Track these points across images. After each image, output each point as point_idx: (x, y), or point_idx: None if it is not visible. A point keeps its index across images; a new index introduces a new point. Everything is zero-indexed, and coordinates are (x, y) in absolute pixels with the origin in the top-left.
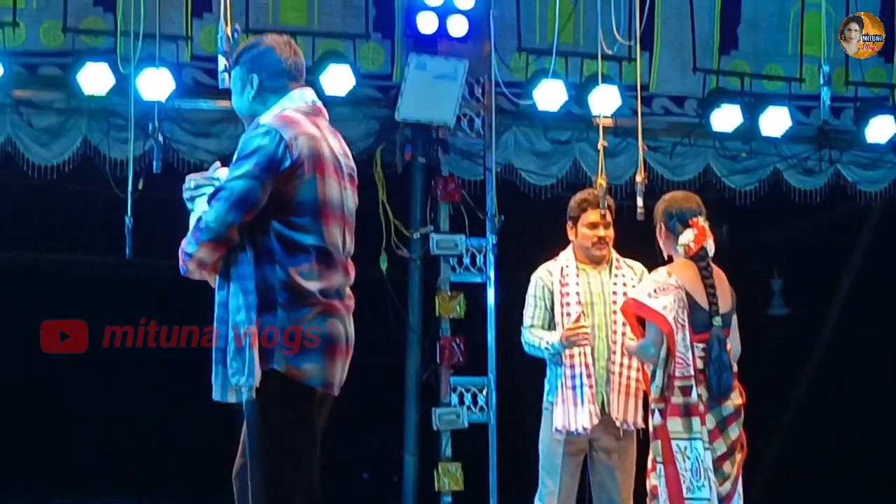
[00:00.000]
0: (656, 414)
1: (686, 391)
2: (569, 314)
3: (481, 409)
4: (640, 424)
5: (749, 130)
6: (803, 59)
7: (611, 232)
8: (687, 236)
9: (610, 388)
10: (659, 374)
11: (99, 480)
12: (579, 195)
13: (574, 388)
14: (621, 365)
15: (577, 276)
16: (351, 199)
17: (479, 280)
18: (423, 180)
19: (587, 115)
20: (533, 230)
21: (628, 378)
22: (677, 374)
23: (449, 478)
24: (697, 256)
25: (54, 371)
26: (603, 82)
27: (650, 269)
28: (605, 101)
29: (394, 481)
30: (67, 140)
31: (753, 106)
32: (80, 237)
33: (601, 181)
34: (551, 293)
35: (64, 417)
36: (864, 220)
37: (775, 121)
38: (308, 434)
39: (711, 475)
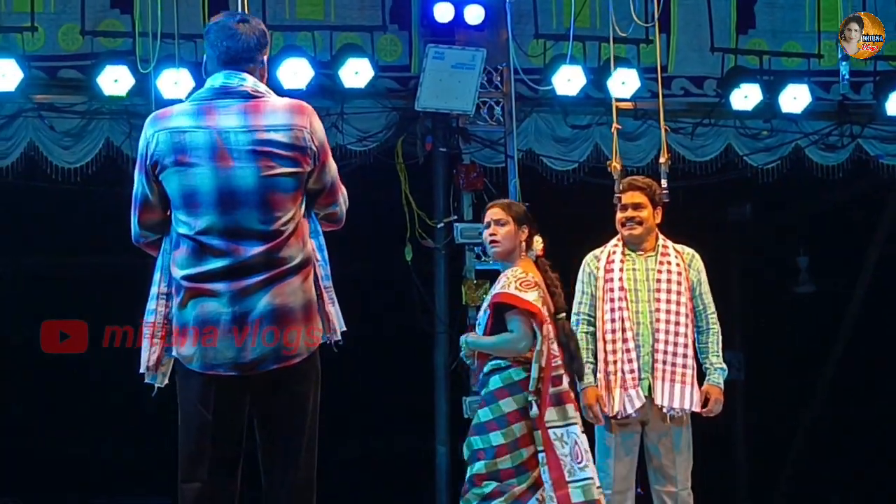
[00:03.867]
0: (533, 406)
1: (558, 381)
2: (612, 300)
3: None
4: (688, 407)
5: (769, 108)
6: (821, 35)
7: (642, 213)
8: (539, 241)
9: (653, 374)
10: (535, 367)
11: (135, 480)
12: None
13: (613, 373)
14: (665, 352)
15: (623, 262)
16: (251, 176)
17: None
18: (444, 170)
19: (606, 98)
20: (556, 216)
21: (673, 364)
22: (553, 364)
23: None
24: (541, 258)
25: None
26: (621, 65)
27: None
28: (624, 84)
29: None
30: (90, 142)
31: (773, 84)
32: (108, 239)
33: (616, 164)
34: (596, 279)
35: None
36: (888, 193)
37: (795, 98)
38: (199, 414)
39: (589, 456)
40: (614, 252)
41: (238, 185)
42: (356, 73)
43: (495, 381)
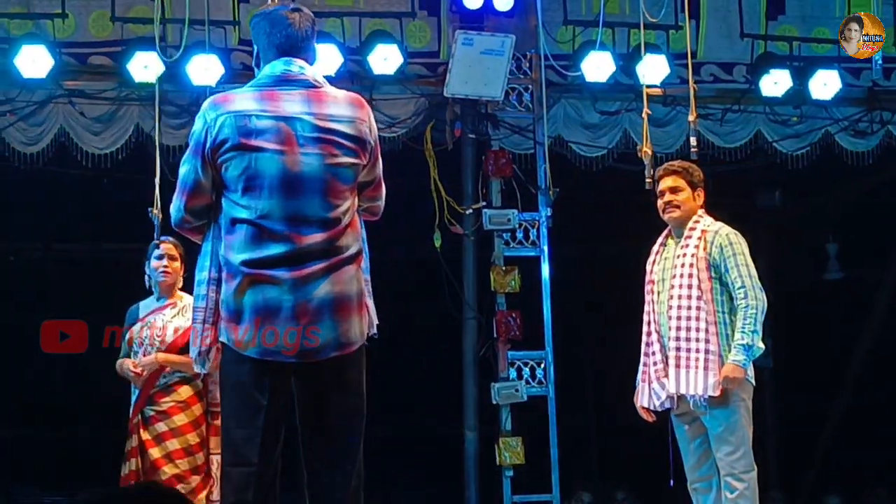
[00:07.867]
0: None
1: None
2: (651, 291)
3: (539, 382)
4: (701, 393)
5: (799, 94)
6: None
7: (680, 196)
8: None
9: (667, 363)
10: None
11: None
12: None
13: (646, 365)
14: (678, 339)
15: (658, 252)
16: (316, 163)
17: (533, 254)
18: (473, 156)
19: (636, 85)
20: (585, 202)
21: (688, 350)
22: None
23: (510, 452)
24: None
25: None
26: (650, 51)
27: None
28: (653, 70)
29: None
30: (120, 128)
31: (802, 70)
32: (137, 225)
33: (646, 150)
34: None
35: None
36: None
37: (825, 84)
38: (253, 399)
39: None
40: (661, 242)
41: (303, 170)
42: (385, 59)
43: (187, 390)
